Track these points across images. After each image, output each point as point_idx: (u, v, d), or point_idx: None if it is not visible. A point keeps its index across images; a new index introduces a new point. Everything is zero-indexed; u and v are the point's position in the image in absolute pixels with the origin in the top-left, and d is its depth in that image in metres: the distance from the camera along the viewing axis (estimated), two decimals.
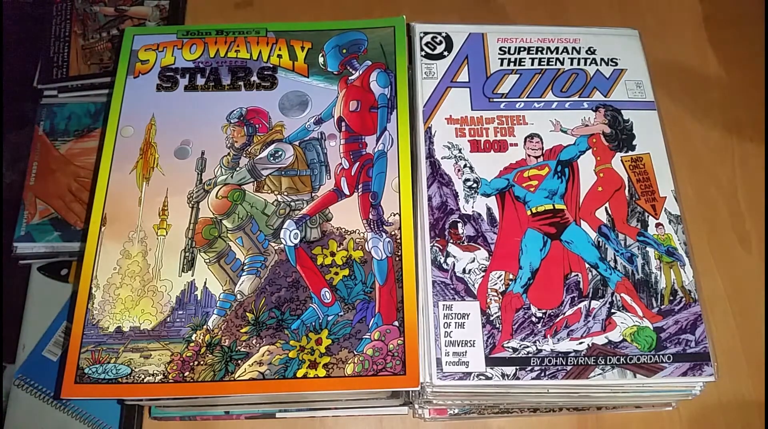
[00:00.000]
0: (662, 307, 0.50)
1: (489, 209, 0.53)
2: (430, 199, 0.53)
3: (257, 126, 0.56)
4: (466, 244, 0.51)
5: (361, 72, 0.58)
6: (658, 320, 0.49)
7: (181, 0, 0.77)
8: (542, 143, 0.56)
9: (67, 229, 0.67)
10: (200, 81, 0.58)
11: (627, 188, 0.54)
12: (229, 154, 0.55)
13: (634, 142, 0.56)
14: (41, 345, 0.64)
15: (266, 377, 0.47)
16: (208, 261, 0.51)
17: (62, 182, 0.69)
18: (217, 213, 0.53)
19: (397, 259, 0.50)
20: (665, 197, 0.54)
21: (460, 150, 0.55)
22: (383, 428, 0.57)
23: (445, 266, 0.51)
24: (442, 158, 0.55)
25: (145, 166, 0.54)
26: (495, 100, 0.58)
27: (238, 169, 0.54)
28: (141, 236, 0.51)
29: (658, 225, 0.53)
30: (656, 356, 0.48)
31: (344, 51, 0.59)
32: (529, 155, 0.55)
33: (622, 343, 0.48)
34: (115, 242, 0.51)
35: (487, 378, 0.47)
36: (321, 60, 0.59)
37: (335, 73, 0.58)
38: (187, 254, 0.51)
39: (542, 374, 0.47)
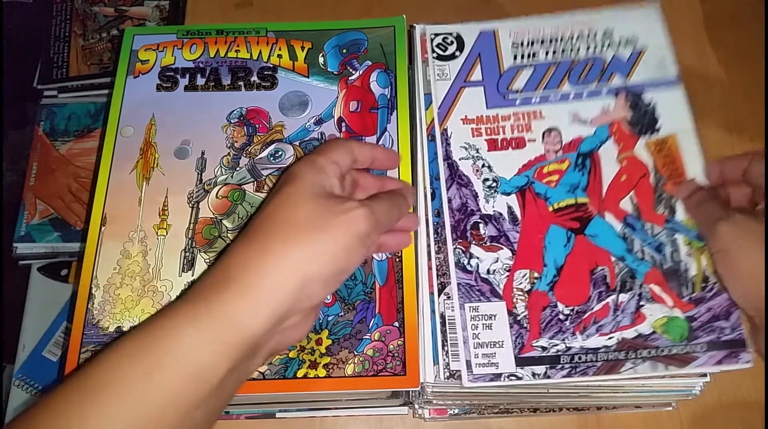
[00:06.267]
0: (693, 295, 0.48)
1: (510, 208, 0.52)
2: (450, 201, 0.52)
3: (257, 126, 0.56)
4: (488, 244, 0.51)
5: (361, 72, 0.58)
6: (690, 309, 0.47)
7: (181, 0, 0.77)
8: (561, 137, 0.54)
9: (67, 229, 0.67)
10: (200, 81, 0.58)
11: (652, 174, 0.52)
12: (229, 154, 0.55)
13: (657, 125, 0.54)
14: (41, 345, 0.64)
15: (266, 377, 0.47)
16: (208, 261, 0.51)
17: (62, 182, 0.69)
18: (218, 213, 0.53)
19: (397, 259, 0.50)
20: (694, 178, 0.51)
21: (477, 150, 0.54)
22: (383, 428, 0.57)
23: (469, 268, 0.50)
24: (459, 159, 0.54)
25: (145, 166, 0.54)
26: (510, 96, 0.56)
27: (238, 169, 0.54)
28: (141, 236, 0.51)
29: None
30: (689, 346, 0.46)
31: (344, 51, 0.59)
32: (548, 150, 0.54)
33: (652, 336, 0.47)
34: (115, 242, 0.51)
35: (518, 378, 0.46)
36: (321, 60, 0.59)
37: (335, 73, 0.58)
38: (187, 254, 0.51)
39: (573, 371, 0.46)
